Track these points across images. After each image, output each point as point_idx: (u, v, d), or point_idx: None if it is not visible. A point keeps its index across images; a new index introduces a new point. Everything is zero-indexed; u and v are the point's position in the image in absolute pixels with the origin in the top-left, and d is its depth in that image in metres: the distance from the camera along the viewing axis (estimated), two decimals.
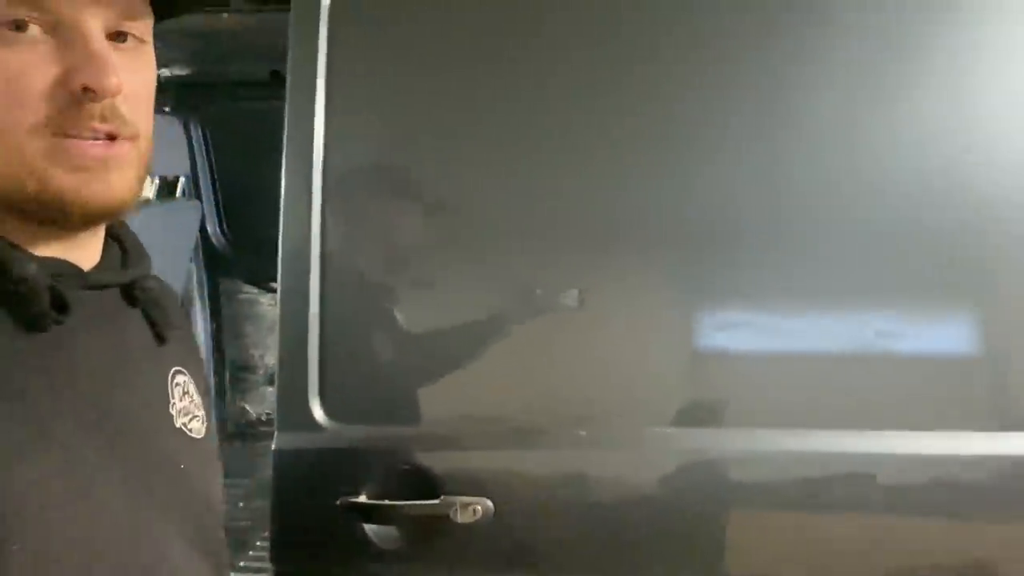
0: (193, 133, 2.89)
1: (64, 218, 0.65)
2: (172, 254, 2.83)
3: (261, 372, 3.33)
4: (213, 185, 2.99)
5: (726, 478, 1.23)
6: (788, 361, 1.24)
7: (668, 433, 1.23)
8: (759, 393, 1.22)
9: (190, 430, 0.77)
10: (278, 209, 1.25)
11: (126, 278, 0.73)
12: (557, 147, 1.26)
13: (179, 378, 0.78)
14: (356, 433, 1.23)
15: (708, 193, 1.23)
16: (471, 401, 1.29)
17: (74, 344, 0.66)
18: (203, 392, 0.83)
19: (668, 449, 1.22)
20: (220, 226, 3.06)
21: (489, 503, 1.20)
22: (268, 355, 3.29)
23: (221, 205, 3.03)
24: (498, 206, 1.28)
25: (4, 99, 0.62)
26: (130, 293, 0.73)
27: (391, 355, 1.28)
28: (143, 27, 0.69)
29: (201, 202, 2.97)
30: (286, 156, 1.25)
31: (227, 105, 2.81)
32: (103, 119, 0.64)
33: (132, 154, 0.67)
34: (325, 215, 1.24)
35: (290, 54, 1.26)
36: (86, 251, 0.70)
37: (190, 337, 0.88)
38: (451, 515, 1.19)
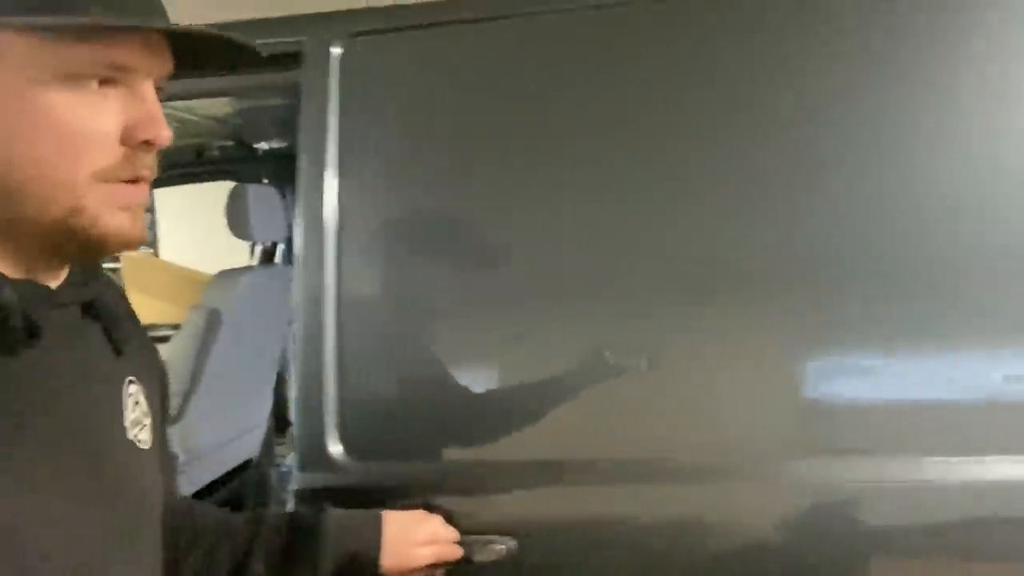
0: (289, 202, 3.06)
1: (97, 253, 0.73)
2: (274, 316, 2.98)
3: None
4: None
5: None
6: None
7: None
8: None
9: (140, 441, 0.81)
10: None
11: (89, 295, 0.78)
12: (589, 191, 1.25)
13: (132, 387, 0.82)
14: (374, 470, 1.26)
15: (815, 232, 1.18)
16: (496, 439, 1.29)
17: (40, 362, 0.70)
18: (156, 405, 0.87)
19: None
20: None
21: (513, 542, 1.20)
22: None
23: None
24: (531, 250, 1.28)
25: (71, 146, 0.67)
26: (90, 307, 0.78)
27: (407, 394, 1.31)
28: (166, 79, 0.75)
29: None
30: (300, 213, 1.31)
31: None
32: (147, 167, 0.72)
33: (148, 193, 0.74)
34: (340, 264, 1.29)
35: (301, 114, 1.33)
36: (53, 270, 0.75)
37: (147, 346, 0.91)
38: (471, 554, 1.19)
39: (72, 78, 0.66)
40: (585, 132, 1.26)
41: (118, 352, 0.80)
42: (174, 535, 0.99)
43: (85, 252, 0.72)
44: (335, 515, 1.11)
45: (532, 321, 1.26)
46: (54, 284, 0.75)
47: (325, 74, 1.32)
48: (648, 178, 1.24)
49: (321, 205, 1.30)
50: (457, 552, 1.18)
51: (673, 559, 1.19)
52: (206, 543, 1.04)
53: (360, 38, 1.33)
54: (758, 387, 1.20)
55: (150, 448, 0.83)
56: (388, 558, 1.11)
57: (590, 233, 1.25)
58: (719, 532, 1.19)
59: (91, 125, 0.67)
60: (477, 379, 1.29)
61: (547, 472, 1.22)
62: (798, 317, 1.19)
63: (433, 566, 1.16)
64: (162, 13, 0.73)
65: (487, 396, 1.27)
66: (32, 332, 0.68)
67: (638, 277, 1.23)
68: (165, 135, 0.70)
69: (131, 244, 0.72)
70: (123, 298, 0.88)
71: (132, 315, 0.89)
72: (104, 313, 0.79)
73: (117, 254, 0.88)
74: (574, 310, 1.25)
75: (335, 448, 1.26)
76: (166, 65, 0.72)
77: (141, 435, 0.81)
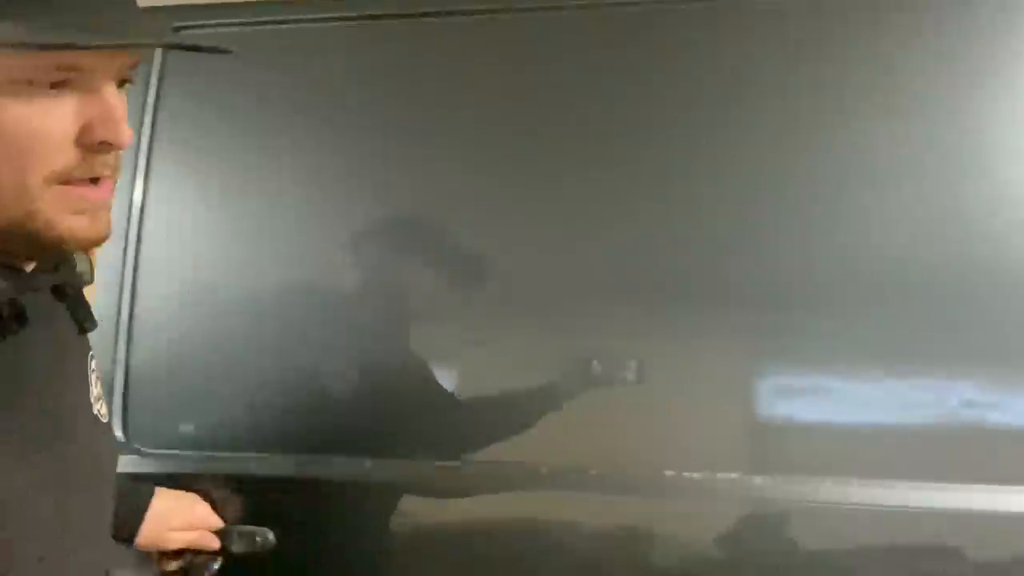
0: None
1: (58, 253, 0.73)
2: None
3: None
4: None
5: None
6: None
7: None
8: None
9: (102, 416, 0.82)
10: None
11: (60, 279, 0.78)
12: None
13: (93, 363, 0.83)
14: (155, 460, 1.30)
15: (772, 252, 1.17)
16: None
17: (24, 344, 0.70)
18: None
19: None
20: None
21: (270, 534, 1.23)
22: None
23: None
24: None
25: (24, 151, 0.65)
26: (60, 290, 0.78)
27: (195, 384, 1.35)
28: (134, 70, 0.73)
29: None
30: None
31: None
32: (107, 166, 0.69)
33: (113, 192, 0.72)
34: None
35: None
36: (24, 258, 0.74)
37: None
38: (229, 543, 1.23)
39: (20, 83, 0.65)
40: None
41: (82, 330, 0.80)
42: None
43: (44, 252, 0.72)
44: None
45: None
46: (28, 268, 0.75)
47: (144, 71, 1.36)
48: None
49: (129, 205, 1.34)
50: (214, 542, 1.21)
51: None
52: None
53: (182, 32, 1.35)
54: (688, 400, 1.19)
55: (108, 422, 0.84)
56: (144, 534, 1.15)
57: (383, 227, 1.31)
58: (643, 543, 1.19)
59: (42, 129, 0.66)
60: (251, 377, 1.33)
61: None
62: (743, 334, 1.18)
63: (186, 551, 1.20)
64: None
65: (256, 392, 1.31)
66: (19, 318, 0.69)
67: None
68: (125, 135, 0.68)
69: (90, 244, 0.71)
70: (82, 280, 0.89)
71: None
72: (72, 294, 0.79)
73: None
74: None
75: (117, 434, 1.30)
76: (127, 59, 0.70)
77: (103, 409, 0.83)
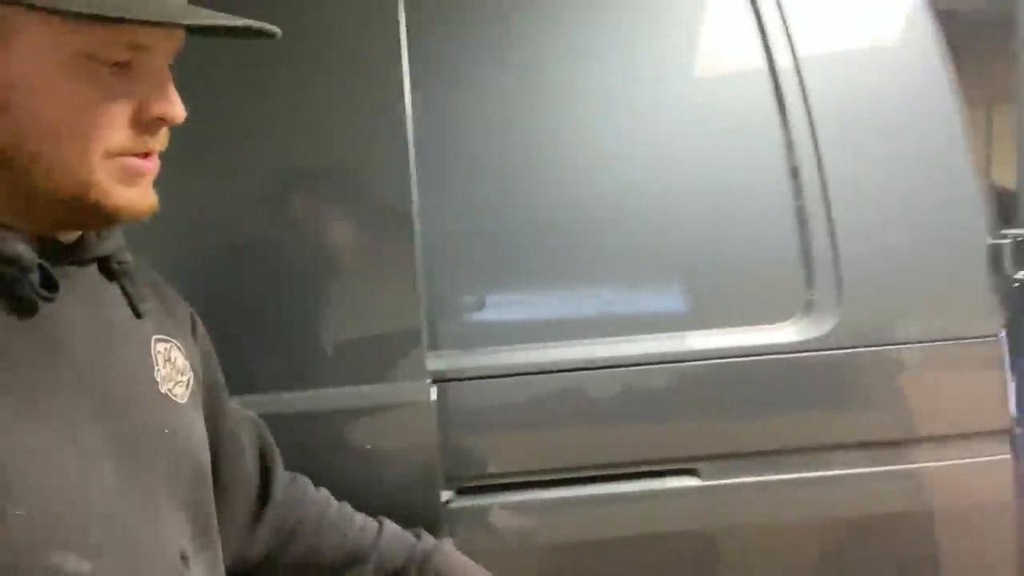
0: None
1: (108, 224, 0.73)
2: None
3: None
4: None
5: None
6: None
7: None
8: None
9: (175, 395, 0.81)
10: None
11: (105, 250, 0.77)
12: None
13: (160, 346, 0.82)
14: None
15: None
16: None
17: (61, 318, 0.70)
18: (197, 363, 0.89)
19: None
20: None
21: None
22: None
23: None
24: None
25: (85, 128, 0.66)
26: (108, 267, 0.78)
27: None
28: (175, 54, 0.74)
29: None
30: None
31: None
32: (158, 140, 0.71)
33: (158, 165, 0.73)
34: None
35: None
36: (69, 230, 0.74)
37: (173, 304, 0.91)
38: None
39: (89, 58, 0.65)
40: None
41: (136, 311, 0.80)
42: (280, 508, 1.01)
43: (97, 223, 0.73)
44: (450, 560, 1.05)
45: None
46: (69, 240, 0.75)
47: None
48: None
49: None
50: None
51: None
52: (313, 532, 1.03)
53: None
54: None
55: (186, 403, 0.83)
56: None
57: None
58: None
59: (104, 106, 0.67)
60: None
61: None
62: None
63: None
64: None
65: None
66: (49, 285, 0.69)
67: None
68: (179, 112, 0.70)
69: (141, 215, 0.72)
70: (144, 266, 0.88)
71: (153, 281, 0.90)
72: (121, 272, 0.79)
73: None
74: None
75: None
76: (179, 41, 0.72)
77: (176, 390, 0.82)
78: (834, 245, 1.27)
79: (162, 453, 0.77)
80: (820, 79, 1.29)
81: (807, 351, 1.25)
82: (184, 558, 0.76)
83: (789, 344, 1.26)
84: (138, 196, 0.71)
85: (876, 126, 1.29)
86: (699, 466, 1.25)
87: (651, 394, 1.25)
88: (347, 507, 1.07)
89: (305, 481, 1.07)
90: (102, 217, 0.71)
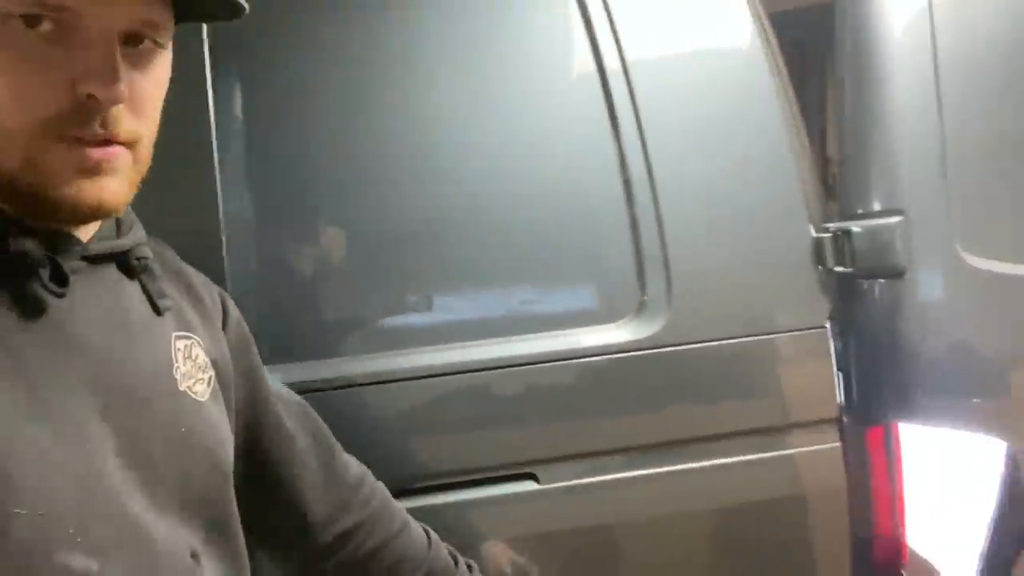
0: None
1: (53, 216, 0.67)
2: None
3: None
4: None
5: None
6: None
7: None
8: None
9: (195, 393, 0.79)
10: None
11: (123, 246, 0.75)
12: None
13: (180, 343, 0.80)
14: None
15: None
16: None
17: (76, 316, 0.69)
18: (225, 357, 0.86)
19: None
20: None
21: None
22: None
23: None
24: None
25: (15, 89, 0.62)
26: (126, 264, 0.76)
27: None
28: (162, 31, 0.69)
29: None
30: None
31: None
32: (103, 124, 0.65)
33: (125, 159, 0.68)
34: None
35: None
36: (46, 220, 0.70)
37: (211, 300, 0.89)
38: None
39: (4, 17, 0.62)
40: None
41: (156, 308, 0.78)
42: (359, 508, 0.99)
43: (50, 217, 0.67)
44: None
45: None
46: (84, 236, 0.72)
47: None
48: None
49: None
50: None
51: None
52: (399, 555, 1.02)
53: None
54: None
55: (207, 400, 0.81)
56: None
57: None
58: None
59: (30, 68, 0.62)
60: None
61: None
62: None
63: None
64: None
65: None
66: (60, 281, 0.67)
67: None
68: (112, 93, 0.64)
69: (90, 211, 0.67)
70: (167, 256, 0.86)
71: (176, 264, 0.87)
72: (141, 269, 0.77)
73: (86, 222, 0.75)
74: None
75: None
76: (130, 11, 0.65)
77: (196, 387, 0.79)
78: (663, 246, 1.29)
79: (176, 451, 0.75)
80: (648, 82, 1.31)
81: (639, 350, 1.27)
82: (195, 556, 0.75)
83: (620, 344, 1.27)
84: (93, 188, 0.66)
85: (701, 127, 1.32)
86: (537, 470, 1.25)
87: (488, 400, 1.25)
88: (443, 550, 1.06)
89: (385, 494, 1.05)
90: (50, 208, 0.65)
